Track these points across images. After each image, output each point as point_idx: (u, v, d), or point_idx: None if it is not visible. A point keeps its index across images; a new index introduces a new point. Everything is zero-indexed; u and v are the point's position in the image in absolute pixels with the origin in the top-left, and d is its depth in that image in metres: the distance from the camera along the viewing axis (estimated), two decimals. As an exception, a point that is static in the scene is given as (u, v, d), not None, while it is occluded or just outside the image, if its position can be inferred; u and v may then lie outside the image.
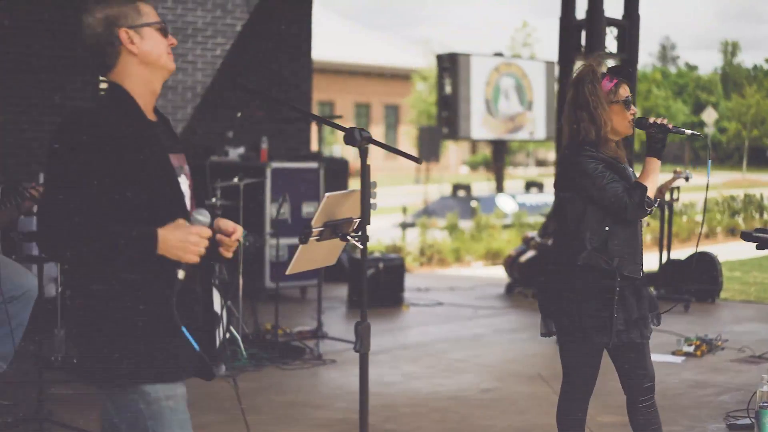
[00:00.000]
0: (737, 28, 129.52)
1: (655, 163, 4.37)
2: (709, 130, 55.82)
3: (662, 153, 4.39)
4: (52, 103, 10.17)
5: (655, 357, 7.79)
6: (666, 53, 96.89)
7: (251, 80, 11.85)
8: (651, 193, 4.30)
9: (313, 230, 3.45)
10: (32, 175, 8.55)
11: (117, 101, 3.04)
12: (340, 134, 3.45)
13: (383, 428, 5.89)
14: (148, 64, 3.05)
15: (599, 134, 4.36)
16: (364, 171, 3.37)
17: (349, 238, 3.52)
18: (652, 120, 4.40)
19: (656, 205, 4.40)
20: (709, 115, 53.45)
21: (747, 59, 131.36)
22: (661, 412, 6.26)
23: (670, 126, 4.39)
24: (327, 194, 3.44)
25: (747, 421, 5.98)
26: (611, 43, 11.11)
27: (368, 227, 3.44)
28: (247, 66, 12.15)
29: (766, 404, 5.54)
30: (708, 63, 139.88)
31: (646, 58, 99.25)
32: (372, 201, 3.43)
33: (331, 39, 39.91)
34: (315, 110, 13.66)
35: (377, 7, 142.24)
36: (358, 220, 3.51)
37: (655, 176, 4.36)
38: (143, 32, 3.03)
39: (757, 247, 6.01)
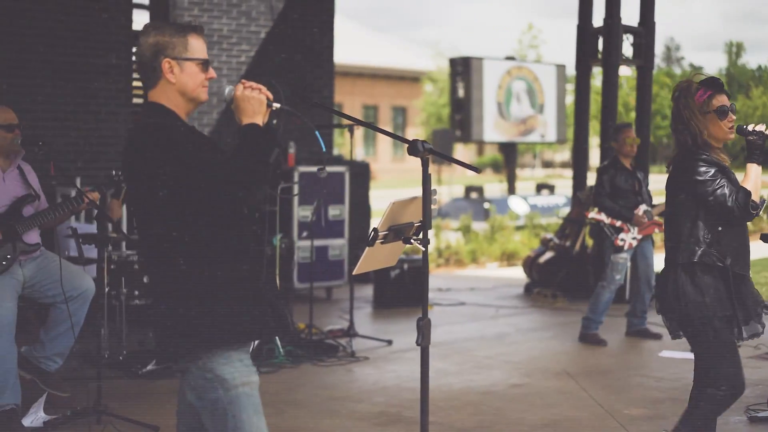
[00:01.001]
0: (742, 29, 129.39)
1: (755, 168, 4.66)
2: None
3: (761, 159, 4.67)
4: (87, 109, 10.49)
5: (675, 354, 8.18)
6: (670, 54, 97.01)
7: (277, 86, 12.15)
8: (755, 196, 4.57)
9: (379, 234, 3.74)
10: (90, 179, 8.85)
11: (163, 114, 3.40)
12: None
13: (422, 421, 6.18)
14: (183, 94, 3.42)
15: (696, 142, 4.72)
16: (426, 179, 3.66)
17: (412, 241, 3.82)
18: (751, 127, 4.72)
19: (762, 208, 4.64)
20: (715, 117, 53.60)
21: (752, 60, 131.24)
22: (684, 406, 6.59)
23: (767, 132, 4.69)
24: (392, 201, 3.74)
25: (767, 413, 6.26)
26: (627, 50, 11.42)
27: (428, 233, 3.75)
28: (270, 72, 12.44)
29: (786, 397, 5.85)
30: (713, 64, 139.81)
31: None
32: (433, 207, 3.72)
33: (339, 41, 40.16)
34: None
35: (383, 8, 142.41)
36: (419, 224, 3.81)
37: (757, 180, 4.63)
38: (184, 65, 3.39)
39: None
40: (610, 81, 11.19)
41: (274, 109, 3.49)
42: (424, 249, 3.73)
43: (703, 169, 4.65)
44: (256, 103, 3.38)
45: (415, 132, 47.94)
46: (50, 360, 6.13)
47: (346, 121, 10.79)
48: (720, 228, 4.67)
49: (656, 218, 8.76)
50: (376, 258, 3.88)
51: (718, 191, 4.60)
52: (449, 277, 13.91)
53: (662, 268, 4.87)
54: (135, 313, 7.78)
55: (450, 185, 30.58)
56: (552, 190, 27.40)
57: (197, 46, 3.46)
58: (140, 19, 11.62)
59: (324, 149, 3.79)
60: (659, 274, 4.93)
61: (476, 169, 3.85)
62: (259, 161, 3.29)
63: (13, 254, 5.88)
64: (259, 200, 3.44)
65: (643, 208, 8.70)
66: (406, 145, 3.67)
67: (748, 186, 4.59)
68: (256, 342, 3.59)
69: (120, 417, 5.89)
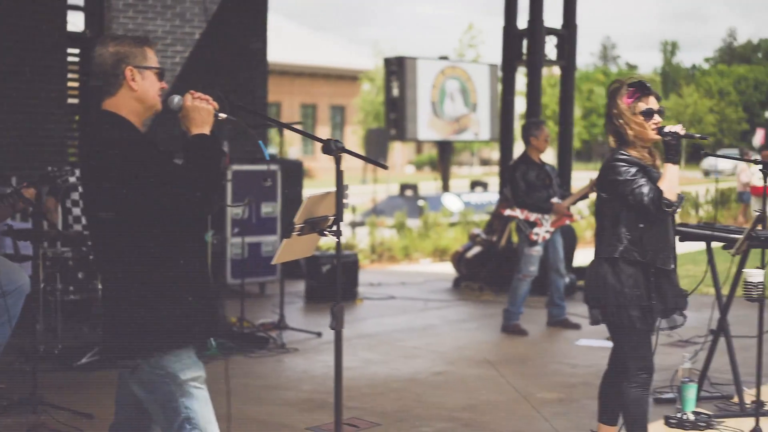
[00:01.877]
0: (677, 28, 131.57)
1: (671, 168, 4.88)
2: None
3: (677, 158, 4.91)
4: (23, 110, 10.64)
5: (591, 342, 8.60)
6: (607, 53, 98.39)
7: (209, 86, 12.39)
8: (669, 195, 4.79)
9: (296, 227, 4.04)
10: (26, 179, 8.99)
11: (121, 126, 3.62)
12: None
13: (347, 406, 6.46)
14: (142, 102, 3.66)
15: (623, 141, 4.99)
16: (339, 176, 3.96)
17: (325, 233, 4.13)
18: (668, 128, 4.95)
19: (678, 206, 4.89)
20: (648, 115, 54.51)
21: (686, 59, 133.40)
22: (595, 390, 6.97)
23: (682, 132, 4.93)
24: (308, 195, 4.04)
25: (671, 395, 6.66)
26: (551, 51, 11.84)
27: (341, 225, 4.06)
28: (204, 72, 12.66)
29: (686, 380, 6.24)
30: (648, 62, 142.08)
31: (588, 58, 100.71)
32: (345, 201, 4.03)
33: (277, 40, 40.31)
34: (265, 113, 14.37)
35: (323, 7, 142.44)
36: (333, 218, 4.12)
37: (672, 179, 4.84)
38: (145, 73, 3.63)
39: (680, 239, 6.76)
40: (534, 81, 11.60)
41: (219, 119, 3.74)
42: (337, 240, 4.03)
43: (623, 168, 4.88)
44: (204, 114, 3.63)
45: (353, 130, 48.26)
46: (-14, 352, 6.33)
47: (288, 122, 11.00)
48: (641, 225, 4.90)
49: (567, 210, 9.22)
50: (293, 249, 4.17)
51: (636, 190, 4.82)
52: (382, 273, 14.24)
53: (590, 261, 5.14)
54: (70, 307, 7.99)
55: (386, 183, 30.94)
56: (486, 188, 27.88)
57: (153, 57, 3.72)
58: (75, 21, 11.79)
59: (267, 158, 4.05)
60: (587, 266, 5.22)
61: (384, 165, 4.17)
62: (213, 171, 3.56)
63: (-50, 251, 6.09)
64: (215, 209, 3.69)
65: (554, 201, 9.12)
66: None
67: (663, 185, 4.81)
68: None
69: (55, 406, 6.12)
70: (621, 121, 4.96)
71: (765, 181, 5.59)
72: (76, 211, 8.23)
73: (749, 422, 5.79)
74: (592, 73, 74.93)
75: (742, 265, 6.24)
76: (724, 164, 40.65)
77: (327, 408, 6.49)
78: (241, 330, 8.65)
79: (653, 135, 4.95)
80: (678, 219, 6.09)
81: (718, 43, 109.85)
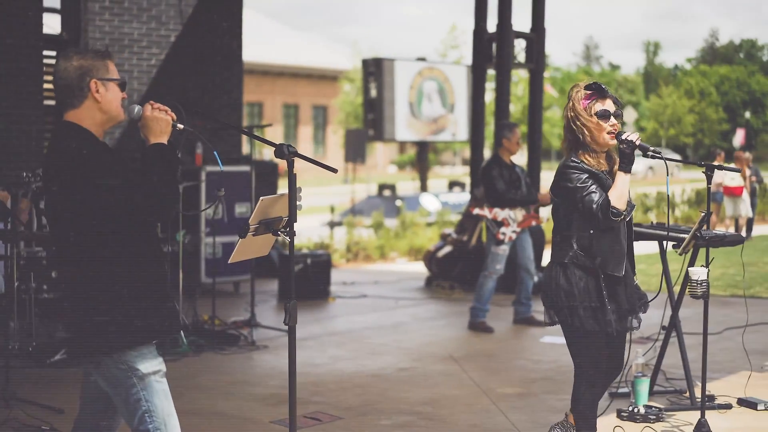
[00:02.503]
0: (660, 28, 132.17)
1: (621, 176, 4.91)
2: (628, 129, 57.38)
3: (629, 167, 4.91)
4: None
5: (555, 339, 8.83)
6: (589, 53, 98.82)
7: (186, 88, 12.60)
8: (617, 204, 4.83)
9: (250, 227, 4.25)
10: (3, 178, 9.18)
11: (80, 136, 3.80)
12: (273, 137, 4.31)
13: (311, 401, 6.72)
14: (105, 112, 3.84)
15: (581, 144, 5.00)
16: (291, 179, 4.17)
17: (279, 233, 4.33)
18: (624, 135, 4.93)
19: (627, 215, 4.93)
20: (629, 116, 54.82)
21: (668, 59, 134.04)
22: (554, 385, 7.26)
23: (638, 142, 4.92)
24: (261, 198, 4.24)
25: (625, 389, 6.89)
26: (520, 54, 12.07)
27: (296, 225, 4.25)
28: (180, 74, 12.85)
29: (639, 374, 6.47)
30: (631, 62, 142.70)
31: (570, 58, 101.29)
32: (298, 203, 4.23)
33: (259, 40, 40.50)
34: (244, 112, 14.57)
35: (305, 7, 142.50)
36: (286, 219, 4.32)
37: (622, 188, 4.88)
38: (108, 85, 3.83)
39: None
40: (503, 83, 11.82)
41: (177, 129, 3.94)
42: (289, 240, 4.24)
43: (574, 175, 4.92)
44: (163, 124, 3.82)
45: (335, 130, 48.42)
46: (-39, 349, 6.51)
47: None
48: (591, 231, 4.95)
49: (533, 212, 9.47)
50: (249, 248, 4.37)
51: (586, 197, 4.86)
52: (356, 272, 14.46)
53: (547, 264, 5.25)
54: (44, 306, 8.17)
55: (367, 183, 31.15)
56: (463, 188, 28.11)
57: (114, 69, 3.91)
58: (51, 23, 11.96)
59: (222, 168, 4.22)
60: (545, 267, 5.34)
61: (333, 169, 4.37)
62: (170, 179, 3.76)
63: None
64: (172, 216, 3.88)
65: (523, 202, 9.37)
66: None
67: (613, 194, 4.84)
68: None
69: (27, 401, 6.32)
70: (578, 123, 4.96)
71: (708, 182, 5.81)
72: (50, 211, 8.40)
73: (699, 416, 6.01)
74: (574, 73, 75.22)
75: (692, 264, 6.46)
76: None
77: (292, 403, 6.69)
78: (213, 328, 8.85)
79: (608, 139, 4.95)
80: (654, 220, 6.27)
81: (700, 44, 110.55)
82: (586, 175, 4.92)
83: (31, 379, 7.09)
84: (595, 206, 4.85)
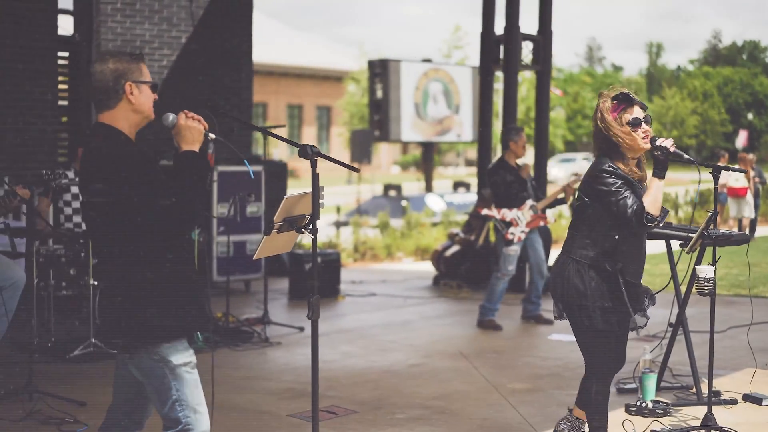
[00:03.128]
0: (664, 29, 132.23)
1: (656, 182, 5.03)
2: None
3: (663, 173, 5.04)
4: (15, 111, 10.99)
5: (563, 337, 8.98)
6: (592, 54, 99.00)
7: (196, 88, 12.78)
8: (651, 209, 4.95)
9: (275, 224, 4.41)
10: (19, 178, 9.34)
11: (115, 136, 3.97)
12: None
13: (326, 395, 6.88)
14: (139, 113, 4.02)
15: (617, 151, 5.10)
16: (315, 178, 4.34)
17: (302, 230, 4.49)
18: (659, 142, 5.10)
19: (661, 220, 5.08)
20: (632, 116, 54.89)
21: (671, 60, 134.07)
22: (562, 381, 7.41)
23: (672, 149, 5.09)
24: (286, 196, 4.41)
25: (633, 385, 7.05)
26: (527, 56, 12.22)
27: (317, 222, 4.42)
28: (191, 75, 13.01)
29: (647, 370, 6.62)
30: (634, 64, 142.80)
31: (573, 59, 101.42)
32: (321, 201, 4.40)
33: (263, 40, 40.68)
34: (250, 114, 14.78)
35: (309, 8, 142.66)
36: (309, 216, 4.48)
37: (657, 194, 5.00)
38: (141, 87, 4.00)
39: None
40: (510, 85, 11.97)
41: (209, 139, 4.10)
42: (313, 237, 4.40)
43: (611, 180, 5.00)
44: (195, 133, 3.99)
45: (339, 131, 48.57)
46: (-16, 344, 6.68)
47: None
48: (616, 237, 5.08)
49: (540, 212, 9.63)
50: (273, 245, 4.54)
51: (621, 202, 4.96)
52: (364, 271, 14.62)
53: (559, 254, 5.32)
54: (62, 303, 8.34)
55: (372, 183, 31.30)
56: (468, 188, 28.29)
57: (147, 72, 4.09)
58: (64, 25, 12.13)
59: (252, 176, 4.35)
60: (556, 260, 5.40)
61: (356, 169, 4.53)
62: (199, 186, 3.93)
63: (-51, 248, 6.44)
64: (199, 221, 4.03)
65: (529, 203, 9.52)
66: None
67: (647, 200, 4.96)
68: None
69: (49, 394, 6.48)
70: (611, 133, 5.06)
71: (715, 182, 5.97)
72: (68, 210, 8.57)
73: (705, 410, 6.16)
74: (577, 74, 75.29)
75: (698, 262, 6.61)
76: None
77: (307, 397, 6.82)
78: (227, 325, 9.01)
79: (644, 144, 5.07)
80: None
81: (703, 45, 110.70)
82: (621, 181, 5.02)
83: (52, 374, 7.25)
84: (630, 211, 4.95)
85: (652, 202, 4.98)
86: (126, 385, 4.18)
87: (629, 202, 4.96)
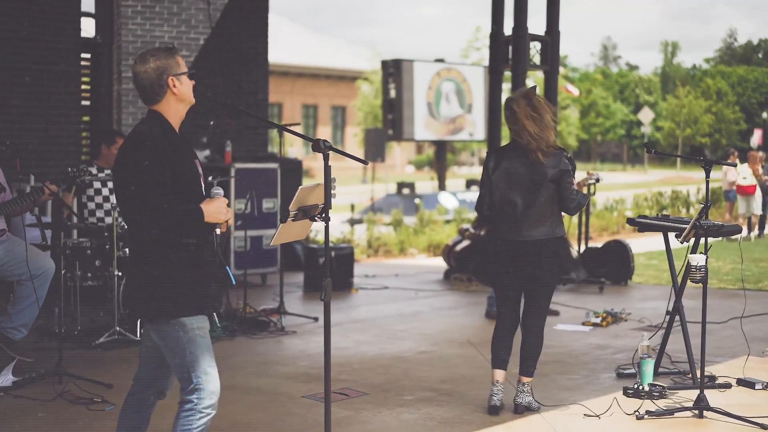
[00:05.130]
0: (679, 28, 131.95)
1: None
2: (646, 129, 57.65)
3: None
4: (39, 112, 11.39)
5: (565, 326, 9.31)
6: (607, 53, 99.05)
7: (214, 89, 13.16)
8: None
9: (290, 213, 4.77)
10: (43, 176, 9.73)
11: (160, 124, 4.39)
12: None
13: (339, 379, 7.25)
14: (182, 101, 4.43)
15: (552, 142, 6.18)
16: (327, 169, 4.70)
17: (316, 218, 4.85)
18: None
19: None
20: (646, 115, 55.05)
21: (687, 59, 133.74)
22: (565, 367, 7.76)
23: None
24: (300, 187, 4.77)
25: (632, 370, 7.39)
26: (535, 57, 12.54)
27: (329, 212, 4.78)
28: (209, 76, 13.40)
29: (645, 356, 6.94)
30: (649, 63, 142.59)
31: (588, 58, 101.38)
32: (333, 192, 4.76)
33: (279, 41, 41.05)
34: (266, 114, 15.17)
35: (325, 8, 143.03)
36: (322, 206, 4.84)
37: None
38: (182, 78, 4.39)
39: (639, 231, 7.50)
40: (518, 85, 12.28)
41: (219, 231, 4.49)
42: (326, 224, 4.76)
43: (571, 164, 6.16)
44: (219, 216, 4.34)
45: (353, 131, 48.94)
46: (17, 330, 7.07)
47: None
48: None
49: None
50: (289, 233, 4.90)
51: (572, 185, 6.20)
52: (377, 266, 14.99)
53: (541, 238, 6.23)
54: (88, 293, 8.73)
55: (385, 182, 31.65)
56: (481, 186, 28.56)
57: (183, 63, 4.50)
58: (86, 27, 12.52)
59: (233, 282, 4.72)
60: (540, 242, 6.24)
61: (365, 161, 4.88)
62: (181, 230, 4.25)
63: (-19, 239, 6.83)
64: (148, 234, 4.33)
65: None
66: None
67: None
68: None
69: (78, 377, 6.86)
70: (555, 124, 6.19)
71: (707, 175, 6.31)
72: (91, 205, 8.94)
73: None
74: (591, 73, 75.36)
75: (694, 252, 6.95)
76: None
77: (321, 380, 7.14)
78: (244, 315, 9.39)
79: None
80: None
81: (718, 44, 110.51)
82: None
83: (79, 359, 7.63)
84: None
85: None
86: (150, 356, 4.57)
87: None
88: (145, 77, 4.38)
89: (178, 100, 4.43)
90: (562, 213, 6.32)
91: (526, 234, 6.24)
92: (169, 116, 4.42)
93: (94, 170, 8.90)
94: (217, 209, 4.32)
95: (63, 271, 8.01)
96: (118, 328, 8.23)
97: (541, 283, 6.33)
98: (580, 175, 7.13)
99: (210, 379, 4.35)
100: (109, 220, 8.73)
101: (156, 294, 4.32)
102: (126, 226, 4.55)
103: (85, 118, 12.46)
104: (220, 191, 4.39)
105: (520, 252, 6.26)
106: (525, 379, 6.48)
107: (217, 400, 4.38)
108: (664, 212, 24.31)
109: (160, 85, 4.37)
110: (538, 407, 6.46)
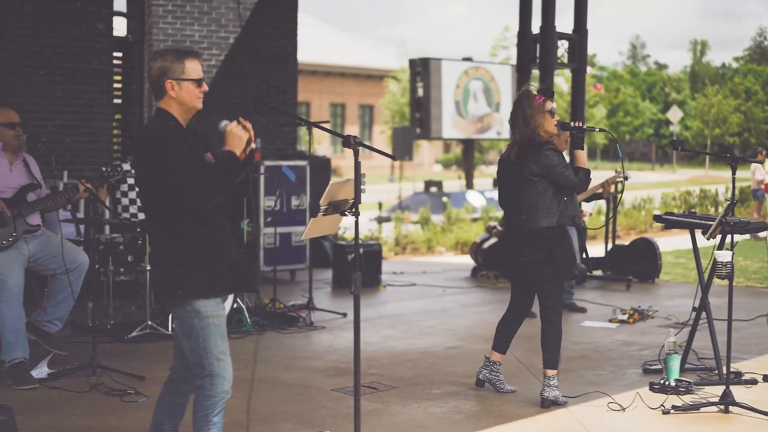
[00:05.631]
0: (709, 27, 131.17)
1: (581, 153, 6.42)
2: (674, 128, 57.39)
3: (583, 146, 6.43)
4: (72, 109, 11.57)
5: (592, 323, 9.37)
6: (636, 52, 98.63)
7: (243, 87, 13.30)
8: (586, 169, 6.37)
9: (321, 207, 4.87)
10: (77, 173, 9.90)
11: (167, 119, 4.52)
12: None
13: (368, 373, 7.34)
14: (181, 105, 4.54)
15: (537, 135, 6.30)
16: (357, 165, 4.79)
17: (345, 213, 4.95)
18: (572, 124, 6.45)
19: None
20: (674, 114, 54.77)
21: (716, 58, 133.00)
22: (591, 362, 7.83)
23: (585, 127, 6.39)
24: (331, 182, 4.86)
25: (658, 366, 7.44)
26: (563, 55, 12.59)
27: (346, 219, 4.88)
28: (238, 74, 13.54)
29: (671, 352, 7.00)
30: (678, 62, 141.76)
31: (616, 57, 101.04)
32: (362, 187, 4.85)
33: (307, 40, 41.21)
34: (295, 112, 15.30)
35: (353, 7, 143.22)
36: (352, 201, 4.94)
37: (584, 160, 6.42)
38: (182, 84, 4.50)
39: (665, 228, 7.55)
40: (546, 83, 12.34)
41: (252, 147, 4.57)
42: (355, 218, 4.86)
43: (555, 157, 6.27)
44: (237, 140, 4.46)
45: (381, 130, 49.02)
46: (52, 323, 7.20)
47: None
48: (565, 198, 6.36)
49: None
50: (319, 227, 5.01)
51: (566, 172, 6.29)
52: (405, 263, 15.08)
53: (519, 232, 6.50)
54: (120, 288, 8.88)
55: (413, 181, 31.73)
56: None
57: (192, 68, 4.56)
58: (119, 27, 12.69)
59: (292, 180, 4.80)
60: (520, 235, 6.51)
61: (393, 156, 4.97)
62: (226, 180, 4.39)
63: (17, 233, 6.97)
64: (213, 204, 4.47)
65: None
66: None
67: (581, 164, 6.35)
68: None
69: (112, 369, 7.00)
70: (534, 119, 6.29)
71: (733, 172, 6.36)
72: (125, 201, 9.10)
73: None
74: (620, 72, 75.08)
75: (720, 248, 6.99)
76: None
77: (350, 374, 7.28)
78: (274, 310, 9.51)
79: (555, 129, 6.38)
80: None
81: (747, 43, 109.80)
82: (560, 155, 6.35)
83: (112, 352, 7.78)
84: (577, 177, 6.34)
85: (583, 165, 6.41)
86: (182, 348, 4.68)
87: (572, 170, 6.32)
88: (150, 75, 4.55)
89: (177, 104, 4.53)
90: (582, 200, 6.78)
91: (512, 225, 6.60)
92: (173, 113, 4.54)
93: (127, 166, 9.04)
94: (235, 132, 4.41)
95: (96, 266, 8.16)
96: (150, 322, 8.36)
97: (534, 274, 6.55)
98: (605, 174, 7.29)
99: (223, 365, 4.48)
100: (142, 215, 8.87)
101: (170, 281, 4.46)
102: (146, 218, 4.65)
103: (117, 116, 12.63)
104: (225, 122, 4.49)
105: (512, 243, 6.60)
106: (547, 372, 6.58)
107: (230, 385, 4.51)
108: (692, 211, 24.32)
109: (160, 85, 4.51)
110: (565, 402, 6.52)
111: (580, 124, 6.45)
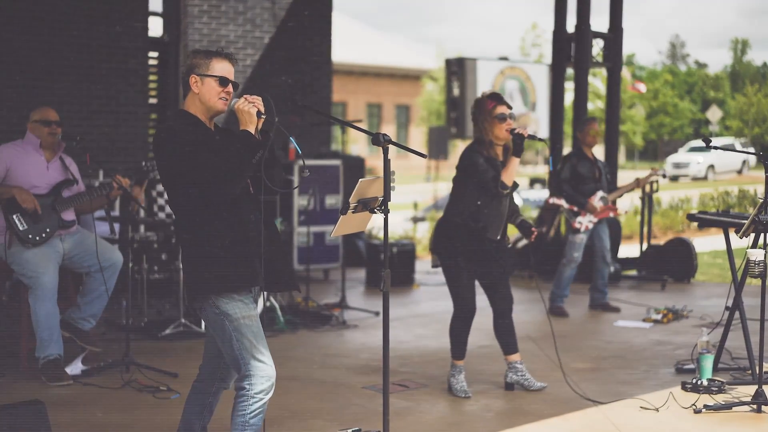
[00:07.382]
0: (750, 25, 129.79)
1: (514, 160, 6.56)
2: (714, 128, 56.94)
3: (521, 154, 6.53)
4: (108, 109, 11.68)
5: (626, 323, 9.33)
6: (675, 51, 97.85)
7: (278, 87, 13.36)
8: (506, 180, 6.52)
9: (350, 205, 4.89)
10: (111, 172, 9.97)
11: (185, 119, 4.55)
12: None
13: (399, 371, 7.36)
14: (203, 103, 4.56)
15: (484, 139, 6.58)
16: (386, 163, 4.80)
17: (375, 211, 4.96)
18: (517, 131, 6.52)
19: (512, 190, 6.64)
20: (714, 114, 54.34)
21: (757, 57, 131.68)
22: (624, 362, 7.79)
23: (526, 134, 6.50)
24: (360, 180, 4.88)
25: (691, 366, 7.39)
26: (598, 54, 12.55)
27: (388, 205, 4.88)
28: (273, 74, 13.61)
29: (704, 351, 6.97)
30: (718, 61, 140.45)
31: (656, 57, 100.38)
32: (392, 185, 4.86)
33: (343, 40, 41.35)
34: (330, 112, 15.35)
35: (389, 7, 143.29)
36: (382, 199, 4.94)
37: (512, 170, 6.55)
38: (205, 80, 4.52)
39: (699, 227, 7.50)
40: (581, 82, 12.32)
41: (261, 117, 4.57)
42: (385, 216, 4.86)
43: (480, 161, 6.52)
44: (247, 115, 4.47)
45: (418, 129, 49.02)
46: (85, 320, 7.28)
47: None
48: (479, 202, 6.56)
49: (611, 203, 10.00)
50: (349, 224, 5.02)
51: (482, 176, 6.51)
52: (439, 263, 15.04)
53: (439, 219, 6.85)
54: (154, 286, 8.96)
55: (449, 181, 31.65)
56: (544, 184, 28.51)
57: (218, 67, 4.57)
58: (155, 27, 12.79)
59: (300, 152, 4.79)
60: (436, 223, 6.85)
61: (423, 154, 4.97)
62: (245, 159, 4.40)
63: (52, 229, 7.05)
64: (241, 188, 4.49)
65: (599, 194, 9.89)
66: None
67: (505, 173, 6.53)
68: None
69: (145, 366, 7.06)
70: (484, 124, 6.54)
71: (766, 170, 6.31)
72: (161, 200, 9.17)
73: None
74: (659, 71, 74.60)
75: (754, 247, 6.93)
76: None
77: (381, 372, 7.29)
78: (307, 309, 9.55)
79: (507, 135, 6.50)
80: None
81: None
82: (483, 159, 6.56)
83: (145, 350, 7.85)
84: (493, 184, 6.53)
85: (508, 176, 6.54)
86: (211, 346, 4.72)
87: (489, 176, 6.50)
88: (181, 71, 4.58)
89: (200, 101, 4.54)
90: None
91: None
92: (195, 113, 4.56)
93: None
94: (243, 108, 4.41)
95: (130, 264, 8.22)
96: (183, 320, 8.43)
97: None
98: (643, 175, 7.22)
99: (261, 366, 4.46)
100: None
101: (193, 279, 4.50)
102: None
103: (153, 116, 12.73)
104: (235, 100, 4.50)
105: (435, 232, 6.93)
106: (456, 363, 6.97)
107: (271, 384, 4.48)
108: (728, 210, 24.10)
109: (185, 81, 4.55)
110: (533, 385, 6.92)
111: (522, 131, 6.53)
